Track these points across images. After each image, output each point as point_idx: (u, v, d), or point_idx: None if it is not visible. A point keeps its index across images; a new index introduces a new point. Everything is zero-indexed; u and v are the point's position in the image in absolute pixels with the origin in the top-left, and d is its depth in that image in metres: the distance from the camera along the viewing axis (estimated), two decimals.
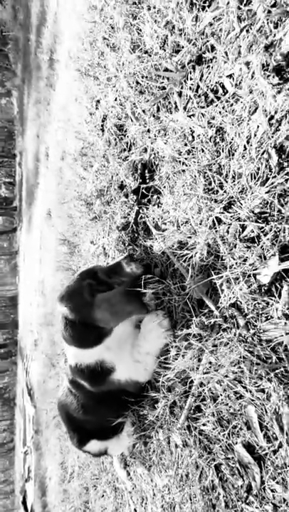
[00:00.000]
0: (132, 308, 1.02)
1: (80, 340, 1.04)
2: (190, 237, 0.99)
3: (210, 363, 0.89)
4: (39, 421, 4.82)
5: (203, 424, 0.97)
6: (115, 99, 1.59)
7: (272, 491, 0.77)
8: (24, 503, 6.47)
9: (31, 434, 5.76)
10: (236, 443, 0.85)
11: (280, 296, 0.70)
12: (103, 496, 1.87)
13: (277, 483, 0.75)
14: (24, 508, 6.41)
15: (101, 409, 1.23)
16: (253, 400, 0.78)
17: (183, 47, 1.02)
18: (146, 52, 1.26)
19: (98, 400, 1.19)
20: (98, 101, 1.94)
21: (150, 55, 1.23)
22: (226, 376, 0.85)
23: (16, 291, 13.71)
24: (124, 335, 1.11)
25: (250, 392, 0.78)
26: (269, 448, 0.76)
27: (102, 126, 1.86)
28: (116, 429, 1.30)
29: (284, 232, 0.68)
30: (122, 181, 1.54)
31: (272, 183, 0.69)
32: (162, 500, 1.23)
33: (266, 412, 0.75)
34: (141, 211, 1.34)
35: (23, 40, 8.20)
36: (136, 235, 1.38)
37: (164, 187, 1.18)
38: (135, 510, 1.47)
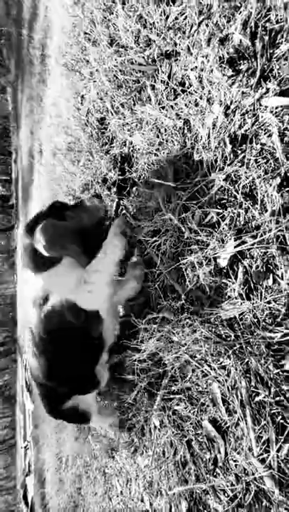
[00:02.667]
0: (67, 248, 0.97)
1: (36, 265, 1.00)
2: (162, 226, 1.03)
3: (179, 344, 0.94)
4: (38, 416, 4.89)
5: (177, 404, 1.02)
6: (97, 94, 1.61)
7: (234, 461, 0.82)
8: (25, 497, 6.57)
9: (31, 429, 5.84)
10: (204, 419, 0.90)
11: (236, 277, 0.74)
12: (94, 481, 1.93)
13: (238, 453, 0.80)
14: (25, 502, 6.51)
15: (64, 359, 1.09)
16: (216, 377, 0.82)
17: (154, 41, 1.05)
18: (122, 46, 1.29)
19: (58, 347, 1.06)
20: (83, 96, 1.97)
21: (126, 49, 1.25)
22: (194, 356, 0.90)
23: (14, 289, 13.74)
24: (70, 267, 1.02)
25: (214, 369, 0.82)
26: (231, 421, 0.80)
27: (86, 121, 1.89)
28: (88, 381, 1.19)
29: (239, 217, 0.72)
30: (104, 175, 1.58)
31: (227, 171, 0.73)
32: (144, 480, 1.29)
33: (227, 387, 0.79)
34: (121, 202, 1.38)
35: (16, 35, 8.12)
36: None
37: (141, 179, 1.21)
38: (121, 492, 1.53)
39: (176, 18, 0.91)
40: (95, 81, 1.60)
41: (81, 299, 0.99)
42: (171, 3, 0.91)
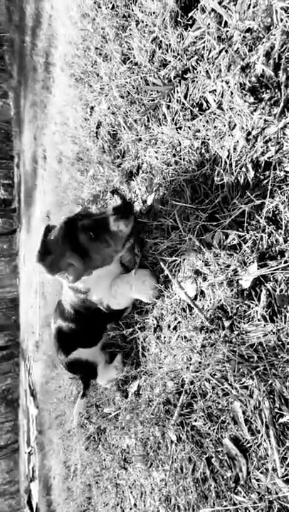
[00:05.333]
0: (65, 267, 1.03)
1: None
2: (179, 244, 1.05)
3: (199, 362, 0.95)
4: (42, 421, 4.88)
5: (195, 420, 1.03)
6: (108, 108, 1.64)
7: (257, 480, 0.83)
8: (29, 502, 6.57)
9: (35, 434, 5.84)
10: (224, 437, 0.90)
11: (259, 299, 0.75)
12: (105, 492, 1.93)
13: (261, 473, 0.81)
14: (29, 508, 6.50)
15: (87, 322, 1.36)
16: (238, 397, 0.83)
17: (169, 62, 1.07)
18: (136, 64, 1.31)
19: (85, 316, 1.32)
20: (92, 107, 1.99)
21: (140, 68, 1.27)
22: (214, 375, 0.91)
23: (16, 293, 13.79)
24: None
25: (236, 389, 0.83)
26: (253, 441, 0.81)
27: (96, 132, 1.91)
28: (97, 339, 1.48)
29: (262, 241, 0.73)
30: (116, 188, 1.59)
31: (250, 195, 0.74)
32: (160, 494, 1.29)
33: (250, 407, 0.80)
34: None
35: (18, 42, 8.22)
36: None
37: (156, 196, 1.23)
38: (135, 504, 1.53)
39: (194, 43, 0.93)
40: (106, 95, 1.62)
41: (112, 303, 1.25)
42: (189, 28, 0.93)
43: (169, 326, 1.13)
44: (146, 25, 1.18)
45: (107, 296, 1.24)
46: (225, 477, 0.93)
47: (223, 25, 0.82)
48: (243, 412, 0.83)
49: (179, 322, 1.06)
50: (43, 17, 4.80)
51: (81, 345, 1.42)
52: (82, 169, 2.29)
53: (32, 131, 6.43)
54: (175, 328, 1.10)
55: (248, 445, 0.84)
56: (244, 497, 0.87)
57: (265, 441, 0.78)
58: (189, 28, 0.94)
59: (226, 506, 0.93)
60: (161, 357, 1.18)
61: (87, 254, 1.04)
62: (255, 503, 0.84)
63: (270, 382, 0.74)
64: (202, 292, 0.96)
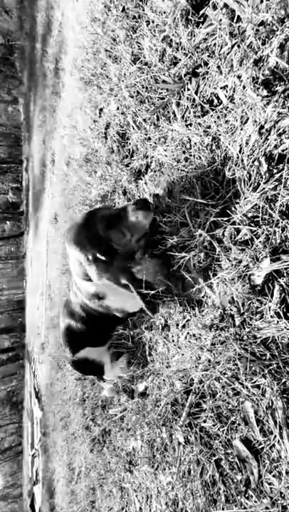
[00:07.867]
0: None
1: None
2: (189, 240, 1.04)
3: (209, 360, 0.93)
4: (46, 423, 4.86)
5: (204, 421, 1.00)
6: (117, 108, 1.65)
7: (269, 484, 0.80)
8: (32, 506, 6.52)
9: (39, 436, 5.82)
10: (235, 438, 0.88)
11: (272, 295, 0.73)
12: (109, 495, 1.90)
13: (273, 476, 0.78)
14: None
15: (97, 324, 1.34)
16: (249, 396, 0.81)
17: (180, 60, 1.07)
18: (146, 64, 1.32)
19: (96, 317, 1.30)
20: (101, 109, 2.01)
21: (150, 67, 1.28)
22: (224, 373, 0.89)
23: (23, 295, 13.91)
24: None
25: (247, 388, 0.81)
26: (265, 442, 0.79)
27: (105, 133, 1.93)
28: (106, 339, 1.50)
29: (274, 235, 0.72)
30: (124, 187, 1.60)
31: (263, 189, 0.73)
32: (166, 498, 1.26)
33: (262, 407, 0.78)
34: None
35: (29, 49, 8.44)
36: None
37: (165, 193, 1.22)
38: (140, 508, 1.50)
39: (205, 39, 0.93)
40: (116, 96, 1.64)
41: (129, 306, 1.22)
42: (200, 25, 0.94)
43: (177, 325, 1.11)
44: (157, 24, 1.19)
45: (121, 301, 1.21)
46: (235, 480, 0.90)
47: (235, 21, 0.82)
48: (255, 412, 0.81)
49: (188, 320, 1.05)
50: (53, 24, 4.91)
51: (90, 344, 1.41)
52: (91, 170, 2.31)
53: (41, 136, 6.55)
54: (184, 326, 1.08)
55: (260, 447, 0.81)
56: (255, 502, 0.84)
57: (278, 442, 0.75)
58: (200, 25, 0.94)
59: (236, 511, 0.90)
60: (168, 356, 1.16)
61: (107, 245, 1.02)
62: (267, 508, 0.81)
63: (283, 380, 0.72)
64: (212, 288, 0.95)
